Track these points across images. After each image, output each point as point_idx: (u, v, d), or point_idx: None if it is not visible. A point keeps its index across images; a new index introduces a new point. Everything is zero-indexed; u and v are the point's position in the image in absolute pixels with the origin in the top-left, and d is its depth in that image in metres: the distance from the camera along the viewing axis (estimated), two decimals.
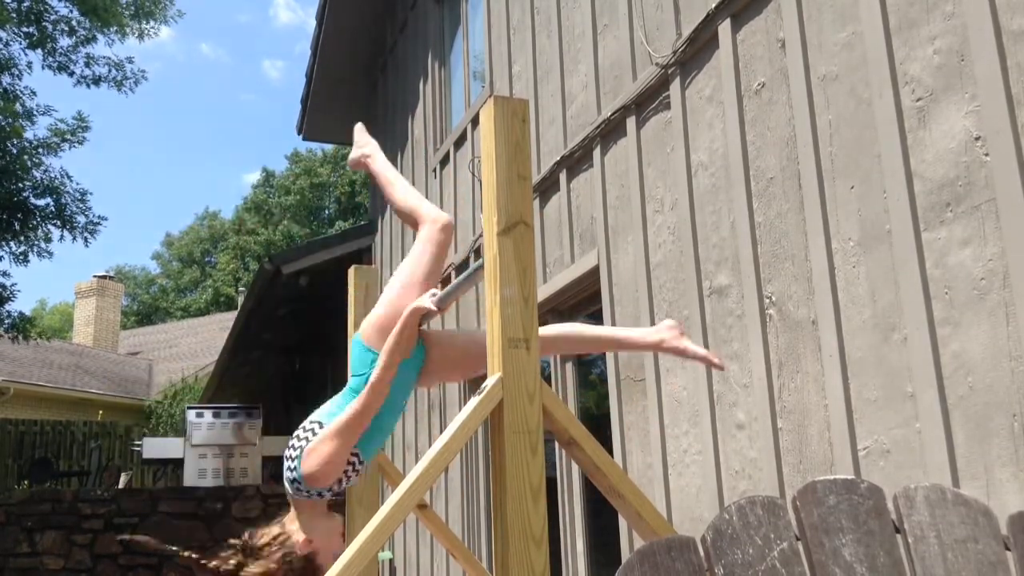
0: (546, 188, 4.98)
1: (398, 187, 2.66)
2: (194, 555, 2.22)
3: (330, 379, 11.02)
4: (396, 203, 2.64)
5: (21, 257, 11.13)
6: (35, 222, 11.04)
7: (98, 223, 11.54)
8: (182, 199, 75.17)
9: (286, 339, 11.83)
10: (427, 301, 2.18)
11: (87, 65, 11.87)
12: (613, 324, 4.18)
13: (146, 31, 12.12)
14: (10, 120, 10.73)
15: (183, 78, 73.97)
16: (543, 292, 4.75)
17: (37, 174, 11.12)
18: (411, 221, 2.58)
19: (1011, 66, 2.34)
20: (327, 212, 35.75)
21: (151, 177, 74.90)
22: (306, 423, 2.26)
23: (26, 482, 13.27)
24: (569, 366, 4.88)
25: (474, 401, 1.87)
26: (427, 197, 7.85)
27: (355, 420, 2.15)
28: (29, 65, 11.38)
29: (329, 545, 2.25)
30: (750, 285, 3.26)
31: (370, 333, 2.34)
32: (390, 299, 2.37)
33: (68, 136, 11.49)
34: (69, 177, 11.40)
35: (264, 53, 75.44)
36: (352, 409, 2.15)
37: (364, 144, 2.83)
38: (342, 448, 2.16)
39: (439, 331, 2.55)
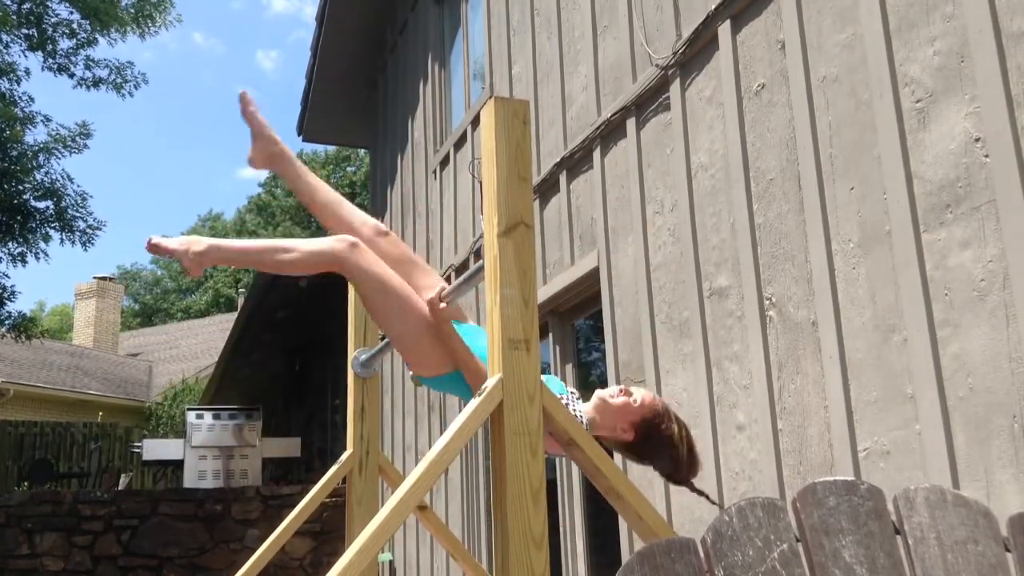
0: (546, 189, 4.99)
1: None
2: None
3: (330, 381, 11.00)
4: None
5: (19, 258, 11.14)
6: (34, 224, 11.05)
7: (97, 228, 11.54)
8: (178, 194, 74.91)
9: (286, 340, 11.83)
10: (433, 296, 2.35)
11: (87, 67, 11.88)
12: (613, 326, 4.18)
13: (146, 32, 12.13)
14: (9, 124, 10.73)
15: (177, 69, 73.72)
16: (543, 293, 4.75)
17: (38, 176, 11.13)
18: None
19: (1011, 67, 2.34)
20: None
21: (146, 171, 74.69)
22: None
23: (26, 483, 13.27)
24: (569, 367, 4.88)
25: (474, 402, 1.87)
26: (427, 198, 7.81)
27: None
28: (27, 71, 11.38)
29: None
30: (750, 286, 3.27)
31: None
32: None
33: (69, 143, 11.49)
34: (71, 180, 11.41)
35: (258, 43, 75.15)
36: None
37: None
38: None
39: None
